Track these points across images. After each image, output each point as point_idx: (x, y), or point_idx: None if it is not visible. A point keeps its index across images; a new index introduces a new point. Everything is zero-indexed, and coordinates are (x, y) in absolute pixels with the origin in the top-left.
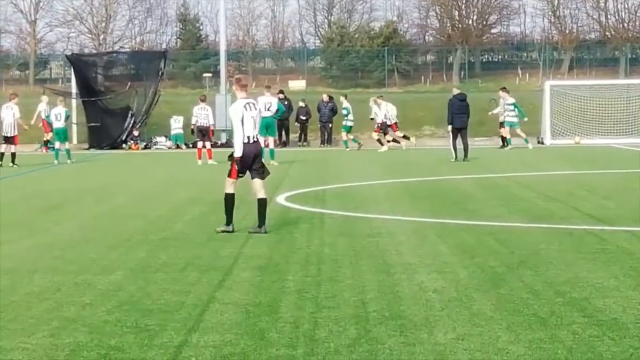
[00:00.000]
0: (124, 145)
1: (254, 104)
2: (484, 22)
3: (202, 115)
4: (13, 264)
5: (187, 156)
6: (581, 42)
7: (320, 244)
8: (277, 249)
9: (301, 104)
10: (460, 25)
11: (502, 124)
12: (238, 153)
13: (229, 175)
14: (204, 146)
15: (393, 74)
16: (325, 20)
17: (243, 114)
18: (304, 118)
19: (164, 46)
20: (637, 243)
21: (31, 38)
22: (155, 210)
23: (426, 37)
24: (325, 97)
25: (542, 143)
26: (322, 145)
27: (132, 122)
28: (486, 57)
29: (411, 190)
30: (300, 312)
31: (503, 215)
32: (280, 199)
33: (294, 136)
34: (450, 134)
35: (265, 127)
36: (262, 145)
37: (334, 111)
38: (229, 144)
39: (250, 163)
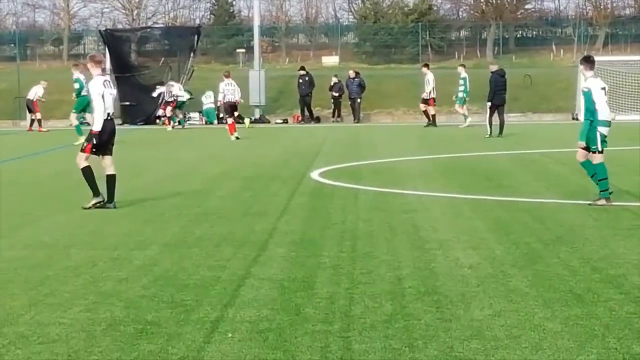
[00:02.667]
0: (157, 121)
1: (110, 82)
2: None
3: (229, 90)
4: (49, 239)
5: (219, 132)
6: (616, 17)
7: (355, 219)
8: (312, 224)
9: (334, 79)
10: (494, 1)
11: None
12: (97, 127)
13: (83, 150)
14: (235, 120)
15: (427, 50)
16: None
17: (103, 91)
18: (336, 94)
19: (197, 22)
20: None
21: (65, 13)
22: (189, 186)
23: (460, 13)
24: (352, 73)
25: (577, 119)
26: (355, 122)
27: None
28: (520, 32)
29: (445, 167)
30: (335, 288)
31: (538, 192)
32: (315, 174)
33: (327, 112)
34: (488, 109)
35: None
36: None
37: (362, 86)
38: (262, 119)
39: (107, 139)
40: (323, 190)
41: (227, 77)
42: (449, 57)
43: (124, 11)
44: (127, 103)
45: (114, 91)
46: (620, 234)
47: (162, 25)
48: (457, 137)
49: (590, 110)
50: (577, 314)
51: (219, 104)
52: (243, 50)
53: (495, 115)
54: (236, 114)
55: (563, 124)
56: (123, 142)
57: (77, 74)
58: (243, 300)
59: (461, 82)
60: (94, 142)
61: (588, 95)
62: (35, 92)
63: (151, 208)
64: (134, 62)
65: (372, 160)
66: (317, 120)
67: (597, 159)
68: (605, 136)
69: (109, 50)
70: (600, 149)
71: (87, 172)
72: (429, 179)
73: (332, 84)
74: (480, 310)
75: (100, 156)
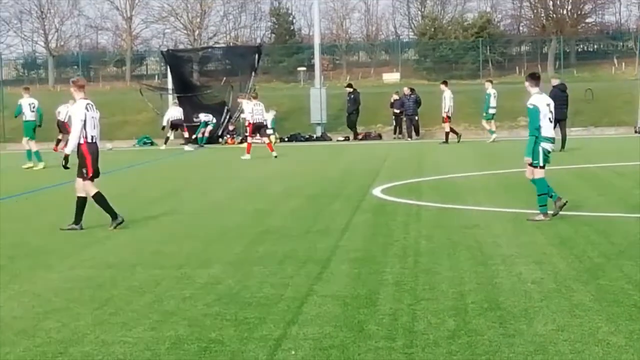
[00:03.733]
0: (220, 140)
1: (92, 105)
2: (579, 12)
3: (257, 111)
4: (114, 259)
5: (280, 150)
6: None
7: (417, 235)
8: (374, 241)
9: (395, 96)
10: (554, 15)
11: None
12: (68, 150)
13: (84, 178)
14: (266, 138)
15: (487, 64)
16: (419, 12)
17: (85, 114)
18: (397, 111)
19: (258, 41)
20: None
21: (127, 34)
22: (251, 204)
23: (520, 28)
24: (406, 90)
25: (639, 132)
26: (410, 139)
27: (228, 117)
28: (581, 46)
29: (507, 182)
30: (398, 305)
31: (601, 206)
32: (377, 191)
33: (388, 129)
34: None
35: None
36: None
37: (418, 103)
38: (323, 137)
39: (97, 162)
40: (385, 207)
41: (255, 98)
42: (509, 71)
43: (185, 32)
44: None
45: (97, 114)
46: None
47: (223, 45)
48: (518, 152)
49: (536, 126)
50: None
51: (246, 124)
52: (304, 68)
53: (557, 130)
54: (268, 132)
55: (625, 137)
56: (188, 162)
57: (22, 99)
58: (306, 318)
59: (487, 97)
60: (91, 167)
61: (534, 112)
62: (66, 112)
63: (214, 227)
64: (196, 81)
65: (433, 176)
66: (364, 137)
67: (538, 174)
68: (549, 152)
69: (170, 70)
70: (542, 164)
71: (99, 198)
72: (490, 194)
73: (392, 100)
74: (544, 325)
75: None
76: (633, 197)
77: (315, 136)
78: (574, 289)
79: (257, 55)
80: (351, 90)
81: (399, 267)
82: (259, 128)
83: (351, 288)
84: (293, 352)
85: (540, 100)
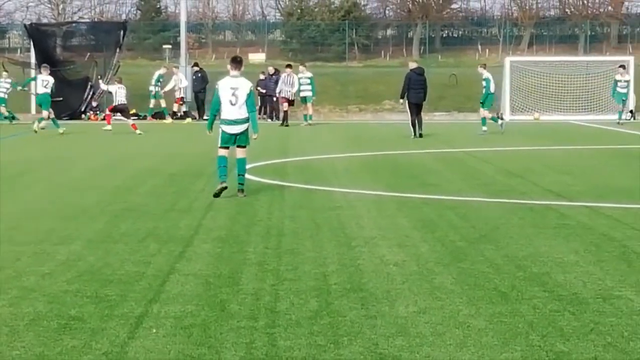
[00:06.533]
0: (83, 116)
1: None
2: None
3: (121, 94)
4: None
5: (144, 128)
6: (541, 18)
7: (281, 216)
8: (238, 220)
9: (261, 76)
10: (420, 0)
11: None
12: None
13: None
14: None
15: (353, 47)
16: None
17: None
18: (263, 91)
19: (123, 17)
20: (597, 219)
21: None
22: (112, 182)
23: (386, 12)
24: (271, 70)
25: (502, 118)
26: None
27: (91, 93)
28: (446, 32)
29: (371, 164)
30: (261, 284)
31: (463, 190)
32: None
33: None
34: (409, 110)
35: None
36: None
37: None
38: (188, 114)
39: None
40: (249, 187)
41: (119, 82)
42: (375, 55)
43: (49, 5)
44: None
45: None
46: (544, 233)
47: (88, 20)
48: (383, 136)
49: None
50: (501, 312)
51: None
52: (169, 46)
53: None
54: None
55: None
56: (47, 138)
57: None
58: (168, 296)
59: (484, 83)
60: None
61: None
62: None
63: (74, 204)
64: (59, 56)
65: (298, 157)
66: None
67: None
68: (226, 133)
69: (33, 44)
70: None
71: None
72: (354, 176)
73: (258, 80)
74: (405, 307)
75: None
76: (494, 182)
77: (179, 114)
78: (436, 271)
79: (122, 32)
80: (198, 69)
81: (262, 247)
82: (121, 110)
83: (214, 267)
84: (154, 330)
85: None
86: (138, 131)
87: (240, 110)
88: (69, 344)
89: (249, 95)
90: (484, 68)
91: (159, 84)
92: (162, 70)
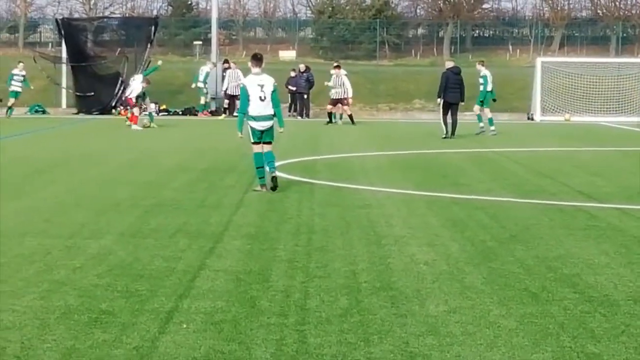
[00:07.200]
0: (113, 111)
1: None
2: None
3: (137, 87)
4: (3, 227)
5: (174, 123)
6: (572, 19)
7: (311, 213)
8: (268, 217)
9: (292, 74)
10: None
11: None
12: None
13: None
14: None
15: (384, 46)
16: None
17: None
18: (293, 88)
19: (154, 12)
20: (627, 220)
21: (21, 1)
22: (144, 177)
23: (417, 11)
24: (302, 67)
25: (532, 119)
26: (300, 117)
27: (121, 88)
28: (477, 32)
29: (400, 163)
30: (291, 281)
31: (493, 190)
32: None
33: (284, 106)
34: (441, 108)
35: None
36: None
37: (309, 82)
38: (217, 112)
39: None
40: (279, 184)
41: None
42: (405, 54)
43: (81, 0)
44: (83, 94)
45: None
46: (574, 234)
47: (119, 16)
48: (413, 135)
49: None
50: (532, 312)
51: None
52: (200, 42)
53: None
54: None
55: (518, 124)
56: (79, 132)
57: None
58: (198, 292)
59: (481, 80)
60: None
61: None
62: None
63: (106, 198)
64: (90, 51)
65: (329, 155)
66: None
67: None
68: (256, 130)
69: (65, 39)
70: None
71: None
72: (385, 174)
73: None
74: (436, 306)
75: None
76: (525, 183)
77: (209, 110)
78: (466, 271)
79: (153, 27)
80: (228, 65)
81: (292, 244)
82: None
83: (244, 263)
84: (185, 326)
85: (251, 81)
86: (134, 126)
87: (267, 106)
88: (100, 338)
89: (274, 91)
90: (483, 65)
91: (207, 81)
92: (208, 67)
